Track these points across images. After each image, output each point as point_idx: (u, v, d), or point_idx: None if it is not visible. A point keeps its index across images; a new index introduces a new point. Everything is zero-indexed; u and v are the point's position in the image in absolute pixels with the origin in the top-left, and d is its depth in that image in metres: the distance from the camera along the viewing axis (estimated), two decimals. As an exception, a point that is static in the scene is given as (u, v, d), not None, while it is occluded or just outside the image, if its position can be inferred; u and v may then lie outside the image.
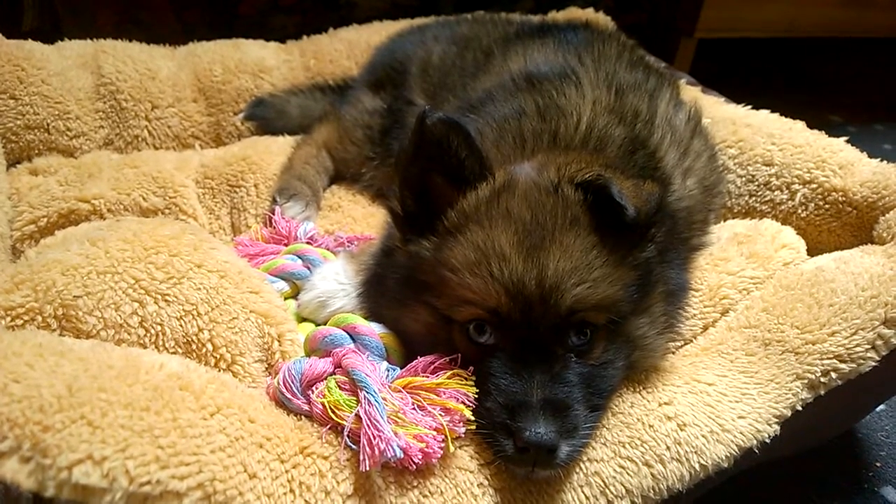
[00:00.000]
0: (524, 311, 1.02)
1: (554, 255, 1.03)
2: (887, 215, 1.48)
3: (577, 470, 1.06)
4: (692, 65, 3.42)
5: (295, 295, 1.45)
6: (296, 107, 2.25)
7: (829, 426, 1.41)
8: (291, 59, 2.41)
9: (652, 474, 1.07)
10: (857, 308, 1.23)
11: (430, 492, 0.99)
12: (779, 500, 1.50)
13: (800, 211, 1.63)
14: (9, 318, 1.08)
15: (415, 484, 0.99)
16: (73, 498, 0.81)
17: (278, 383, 1.09)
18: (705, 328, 1.36)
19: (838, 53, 4.17)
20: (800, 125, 1.79)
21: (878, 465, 1.59)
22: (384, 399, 1.02)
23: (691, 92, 2.07)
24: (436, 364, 1.09)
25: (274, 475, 0.93)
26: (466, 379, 1.06)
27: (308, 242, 1.61)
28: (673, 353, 1.29)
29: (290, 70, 2.38)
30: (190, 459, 0.87)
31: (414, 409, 1.04)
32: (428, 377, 1.07)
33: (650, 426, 1.11)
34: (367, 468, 0.95)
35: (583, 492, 1.05)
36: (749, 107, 1.94)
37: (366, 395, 1.01)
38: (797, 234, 1.56)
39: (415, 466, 0.98)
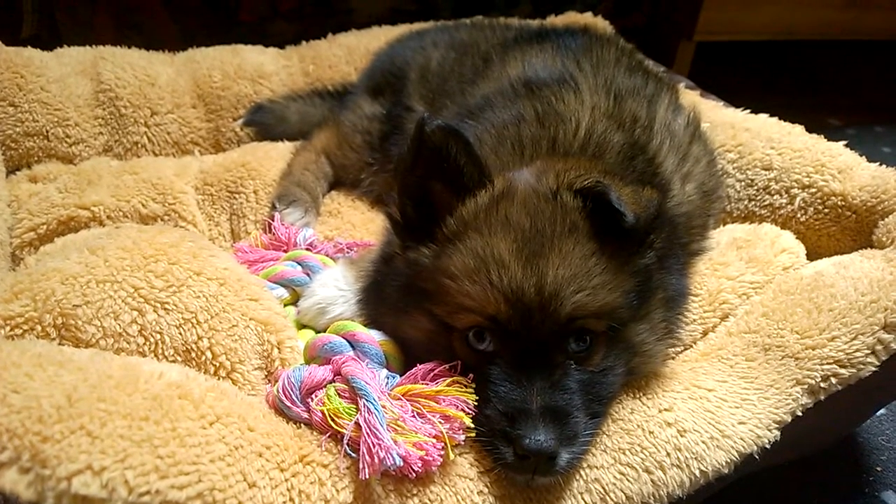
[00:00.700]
0: (524, 318, 1.02)
1: (553, 263, 1.03)
2: (887, 219, 1.48)
3: (578, 477, 1.06)
4: (691, 68, 3.42)
5: (294, 301, 1.45)
6: (295, 113, 2.25)
7: (830, 431, 1.40)
8: (290, 64, 2.41)
9: (652, 481, 1.07)
10: (856, 313, 1.23)
11: (429, 500, 0.99)
12: (779, 505, 1.50)
13: (799, 215, 1.63)
14: (8, 328, 1.08)
15: (415, 492, 0.99)
16: (73, 508, 0.81)
17: (278, 391, 1.09)
18: (705, 333, 1.36)
19: (837, 56, 4.17)
20: (799, 129, 1.79)
21: (878, 469, 1.59)
22: (384, 407, 1.02)
23: (690, 96, 2.07)
24: (435, 371, 1.09)
25: (274, 484, 0.93)
26: (466, 386, 1.06)
27: (307, 249, 1.61)
28: (673, 358, 1.29)
29: (290, 76, 2.38)
30: (189, 469, 0.87)
31: (413, 416, 1.03)
32: (427, 385, 1.07)
33: (650, 432, 1.11)
34: (367, 476, 0.95)
35: (583, 499, 1.05)
36: (748, 111, 1.94)
37: (365, 402, 1.01)
38: (797, 238, 1.56)
39: (414, 474, 0.98)
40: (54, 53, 2.08)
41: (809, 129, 1.79)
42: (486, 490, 1.02)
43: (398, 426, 1.01)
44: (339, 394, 1.07)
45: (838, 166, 1.62)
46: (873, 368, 1.20)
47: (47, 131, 1.93)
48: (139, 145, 2.08)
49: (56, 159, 1.94)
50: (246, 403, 1.04)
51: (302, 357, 1.23)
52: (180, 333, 1.12)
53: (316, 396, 1.08)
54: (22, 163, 1.91)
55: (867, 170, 1.60)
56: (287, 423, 1.06)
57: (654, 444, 1.09)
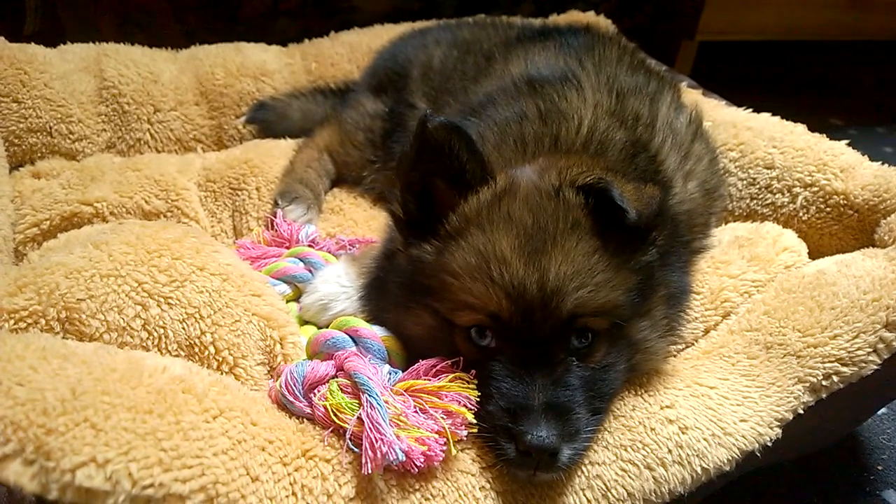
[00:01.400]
0: (525, 315, 1.02)
1: (555, 260, 1.03)
2: (888, 218, 1.48)
3: (579, 473, 1.06)
4: (693, 67, 3.42)
5: (297, 298, 1.45)
6: (297, 110, 2.25)
7: (831, 429, 1.40)
8: (293, 62, 2.41)
9: (654, 477, 1.07)
10: (858, 311, 1.24)
11: (431, 495, 0.99)
12: (780, 503, 1.50)
13: (801, 214, 1.63)
14: (12, 321, 1.08)
15: (417, 487, 0.99)
16: (77, 501, 0.81)
17: (280, 386, 1.09)
18: (707, 331, 1.36)
19: (839, 56, 4.17)
20: (801, 128, 1.79)
21: (879, 468, 1.59)
22: (386, 402, 1.02)
23: (692, 95, 2.07)
24: (438, 367, 1.09)
25: (276, 478, 0.93)
26: (468, 382, 1.07)
27: (310, 245, 1.61)
28: (674, 356, 1.30)
29: (292, 73, 2.38)
30: (193, 462, 0.87)
31: (416, 412, 1.04)
32: (430, 380, 1.07)
33: (652, 429, 1.11)
34: (370, 471, 0.95)
35: (584, 495, 1.05)
36: (750, 110, 1.94)
37: (368, 398, 1.02)
38: (798, 237, 1.57)
39: (417, 469, 0.98)
40: (57, 50, 2.09)
41: (811, 129, 1.79)
42: (487, 486, 1.02)
43: (401, 421, 1.01)
44: (341, 389, 1.07)
45: (840, 165, 1.62)
46: (875, 367, 1.20)
47: (50, 128, 1.94)
48: (142, 142, 2.09)
49: (59, 156, 1.95)
50: (249, 398, 1.04)
51: (305, 352, 1.23)
52: (184, 328, 1.12)
53: (318, 391, 1.08)
54: (25, 159, 1.92)
55: (869, 169, 1.61)
56: (290, 417, 1.07)
57: (655, 441, 1.10)
